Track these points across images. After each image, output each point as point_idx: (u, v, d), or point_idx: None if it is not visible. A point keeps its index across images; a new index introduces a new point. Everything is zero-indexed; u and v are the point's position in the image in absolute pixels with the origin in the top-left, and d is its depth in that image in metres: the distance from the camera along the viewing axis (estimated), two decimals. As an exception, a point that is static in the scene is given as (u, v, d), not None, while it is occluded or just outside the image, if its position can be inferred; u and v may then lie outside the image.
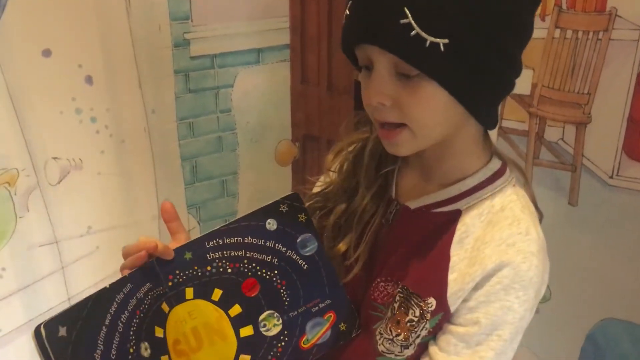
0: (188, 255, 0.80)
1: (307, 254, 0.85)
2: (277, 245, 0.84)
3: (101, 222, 1.41)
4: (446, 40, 0.65)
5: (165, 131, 1.44)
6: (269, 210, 0.83)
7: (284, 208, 0.84)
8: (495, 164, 0.80)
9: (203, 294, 0.81)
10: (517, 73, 0.75)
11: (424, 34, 0.64)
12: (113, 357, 0.77)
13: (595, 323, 1.44)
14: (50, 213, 1.35)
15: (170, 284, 0.80)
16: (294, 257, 0.84)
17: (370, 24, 0.68)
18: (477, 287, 0.75)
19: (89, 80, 1.31)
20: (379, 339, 0.81)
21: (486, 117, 0.76)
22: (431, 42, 0.65)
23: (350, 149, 0.89)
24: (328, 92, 1.69)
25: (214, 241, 0.82)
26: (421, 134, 0.74)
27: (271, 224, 0.83)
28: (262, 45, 1.58)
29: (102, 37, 1.32)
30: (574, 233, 1.41)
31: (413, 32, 0.65)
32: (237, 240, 0.83)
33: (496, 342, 0.74)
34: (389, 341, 0.80)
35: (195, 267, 0.81)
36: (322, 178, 0.93)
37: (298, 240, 0.84)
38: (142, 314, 0.79)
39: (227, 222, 0.82)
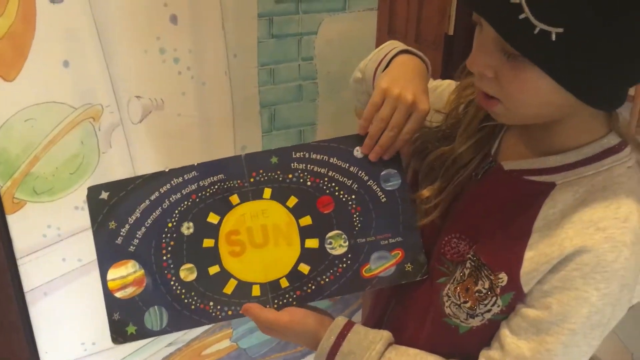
0: (274, 160, 0.86)
1: (388, 189, 0.86)
2: (360, 172, 0.86)
3: (178, 163, 1.42)
4: (560, 30, 0.56)
5: (246, 76, 1.42)
6: (361, 139, 0.85)
7: None
8: (611, 141, 0.70)
9: (279, 197, 0.85)
10: None
11: (533, 20, 0.56)
12: (147, 225, 0.83)
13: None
14: (131, 151, 1.38)
15: (252, 180, 0.85)
16: (375, 188, 0.86)
17: None
18: (553, 270, 0.68)
19: (173, 19, 1.30)
20: (446, 301, 0.78)
21: (608, 100, 0.66)
22: (541, 30, 0.56)
23: (466, 92, 0.84)
24: (416, 44, 1.61)
25: (301, 153, 0.86)
26: (516, 112, 0.68)
27: (359, 152, 0.86)
28: (350, -8, 1.51)
29: (189, -25, 1.30)
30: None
31: (522, 15, 0.56)
32: (322, 157, 0.86)
33: (567, 335, 0.67)
34: (456, 306, 0.76)
35: (279, 172, 0.85)
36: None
37: (382, 173, 0.86)
38: (198, 199, 0.85)
39: (318, 140, 0.86)
